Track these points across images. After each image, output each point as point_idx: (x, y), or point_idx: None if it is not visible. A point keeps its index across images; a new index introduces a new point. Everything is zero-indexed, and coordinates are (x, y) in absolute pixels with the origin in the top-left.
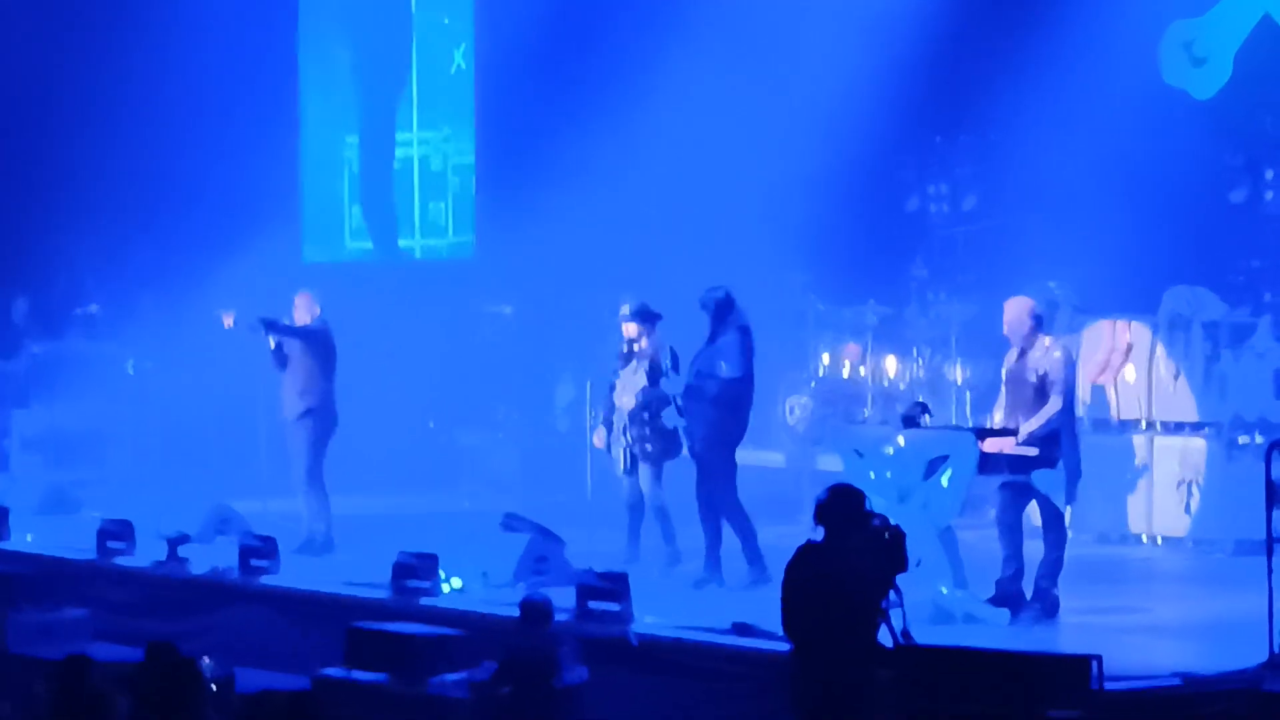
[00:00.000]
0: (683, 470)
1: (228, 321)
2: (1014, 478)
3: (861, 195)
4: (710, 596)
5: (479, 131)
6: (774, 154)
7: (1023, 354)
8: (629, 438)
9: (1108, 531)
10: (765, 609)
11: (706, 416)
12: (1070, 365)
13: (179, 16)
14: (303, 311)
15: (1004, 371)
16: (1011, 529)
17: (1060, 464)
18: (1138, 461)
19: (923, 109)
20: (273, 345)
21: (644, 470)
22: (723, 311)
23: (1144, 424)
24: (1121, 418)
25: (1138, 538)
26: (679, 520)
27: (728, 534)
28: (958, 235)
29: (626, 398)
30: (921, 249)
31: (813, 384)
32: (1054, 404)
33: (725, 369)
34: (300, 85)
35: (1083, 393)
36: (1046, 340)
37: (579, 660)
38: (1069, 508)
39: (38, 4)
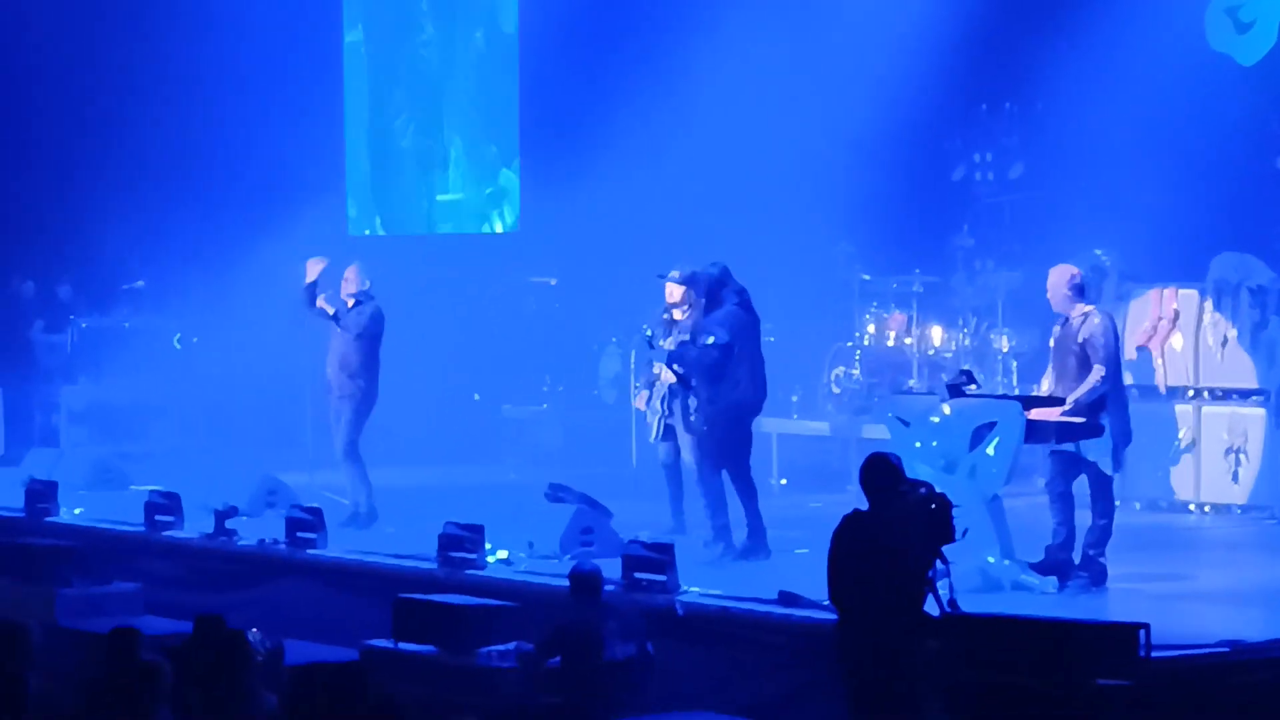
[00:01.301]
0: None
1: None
2: (1061, 446)
3: (907, 165)
4: (756, 566)
5: (523, 106)
6: (819, 124)
7: (1066, 322)
8: (665, 409)
9: (1156, 499)
10: (811, 579)
11: (699, 385)
12: (1111, 332)
13: (224, 11)
14: (352, 284)
15: (1052, 340)
16: (1063, 497)
17: (1107, 431)
18: (1185, 429)
19: (968, 78)
20: (331, 311)
21: (685, 444)
22: (716, 287)
23: (1191, 392)
24: (1169, 385)
25: (1185, 505)
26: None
27: (734, 501)
28: (1004, 204)
29: (663, 369)
30: (968, 218)
31: (858, 354)
32: (1097, 371)
33: (707, 338)
34: (344, 61)
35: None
36: (1086, 307)
37: (631, 634)
38: (1116, 475)
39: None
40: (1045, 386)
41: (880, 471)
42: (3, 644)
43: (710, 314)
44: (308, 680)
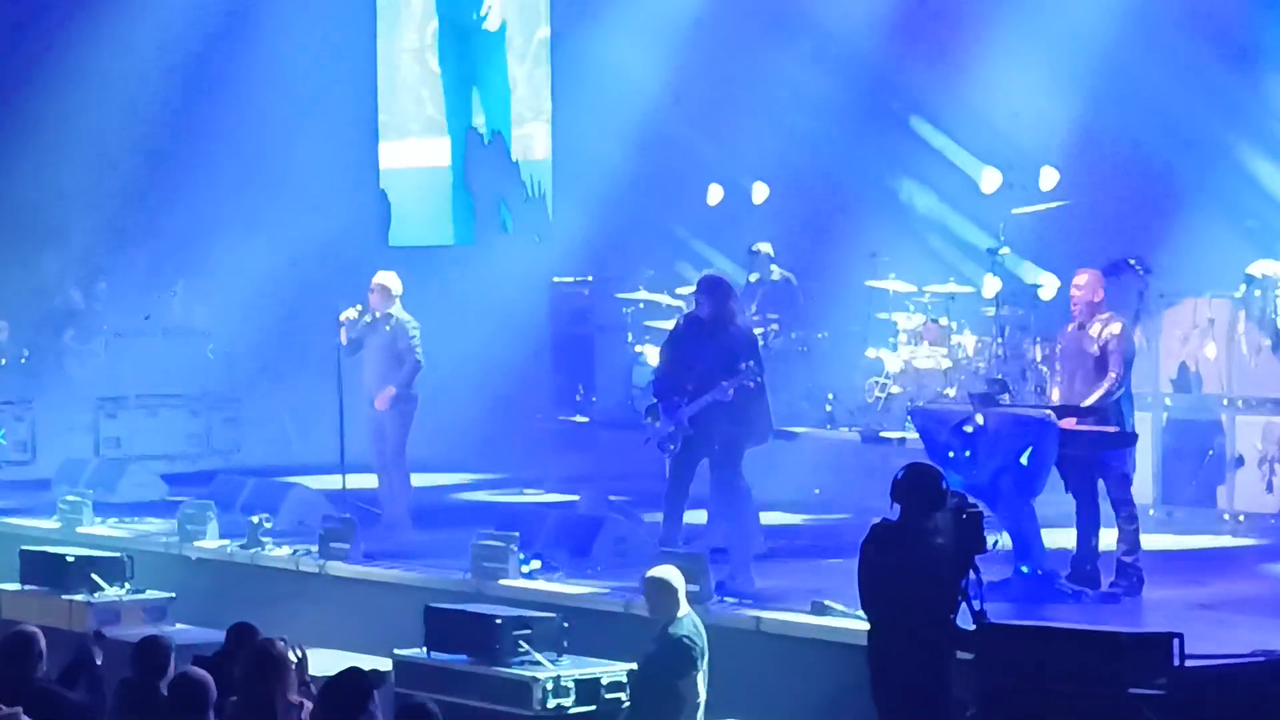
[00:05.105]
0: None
1: (350, 314)
2: (1089, 454)
3: (940, 173)
4: (788, 576)
5: (556, 118)
6: (851, 131)
7: (1081, 327)
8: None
9: (1189, 508)
10: (844, 588)
11: (733, 416)
12: (1130, 338)
13: (262, 14)
14: (379, 296)
15: (1058, 346)
16: (1090, 504)
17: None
18: (1219, 438)
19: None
20: (345, 341)
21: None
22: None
23: (1225, 401)
24: (1203, 394)
25: (1220, 514)
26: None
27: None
28: (1038, 213)
29: None
30: (1001, 227)
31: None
32: (1111, 377)
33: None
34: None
35: (1166, 369)
36: (1106, 313)
37: None
38: (1148, 483)
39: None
40: (1055, 395)
41: (922, 482)
42: (14, 650)
43: (734, 331)
44: (336, 688)
